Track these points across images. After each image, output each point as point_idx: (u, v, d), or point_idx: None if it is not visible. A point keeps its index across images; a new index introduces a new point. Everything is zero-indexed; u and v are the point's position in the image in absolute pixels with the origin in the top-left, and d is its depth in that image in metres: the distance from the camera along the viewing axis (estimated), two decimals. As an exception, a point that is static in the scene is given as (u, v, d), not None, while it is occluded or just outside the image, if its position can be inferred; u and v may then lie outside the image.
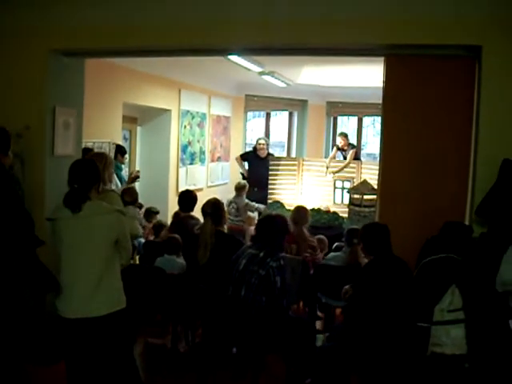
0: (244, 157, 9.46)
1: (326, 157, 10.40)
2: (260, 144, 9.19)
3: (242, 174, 9.19)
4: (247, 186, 8.30)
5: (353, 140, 10.31)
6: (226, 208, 8.04)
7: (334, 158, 9.58)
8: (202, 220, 5.66)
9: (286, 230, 4.27)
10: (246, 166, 9.36)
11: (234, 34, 4.20)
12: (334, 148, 9.93)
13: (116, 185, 6.02)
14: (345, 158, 9.53)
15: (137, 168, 8.00)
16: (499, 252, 3.25)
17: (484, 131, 3.81)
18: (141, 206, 6.70)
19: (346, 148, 9.50)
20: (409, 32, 3.88)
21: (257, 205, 8.20)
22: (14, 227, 3.60)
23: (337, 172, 8.85)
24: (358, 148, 9.97)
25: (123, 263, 3.44)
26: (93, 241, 3.22)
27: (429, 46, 3.98)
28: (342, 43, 4.17)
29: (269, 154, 9.32)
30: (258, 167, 9.07)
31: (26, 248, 3.57)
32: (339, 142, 9.61)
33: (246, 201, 8.10)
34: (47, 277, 3.46)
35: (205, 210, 4.83)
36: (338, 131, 11.65)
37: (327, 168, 8.93)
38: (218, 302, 4.18)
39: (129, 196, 5.69)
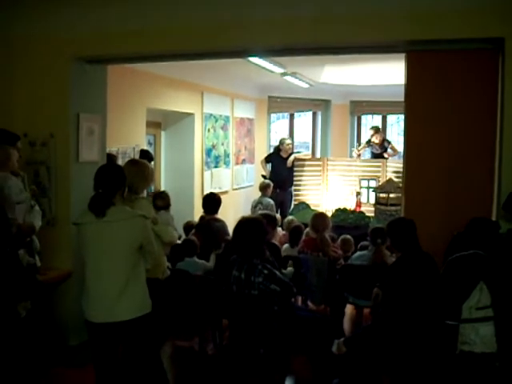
0: (267, 159, 9.47)
1: (350, 156, 10.33)
2: (288, 144, 9.19)
3: (264, 176, 9.18)
4: (271, 184, 8.32)
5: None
6: (252, 209, 8.10)
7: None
8: (226, 222, 5.68)
9: (262, 232, 4.04)
10: (269, 168, 9.38)
11: (255, 35, 4.20)
12: (364, 143, 9.83)
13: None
14: (374, 155, 9.48)
15: (161, 173, 8.06)
16: (527, 247, 3.20)
17: (508, 126, 3.75)
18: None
19: (380, 144, 9.42)
20: (430, 27, 3.85)
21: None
22: None
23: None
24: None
25: (148, 267, 3.47)
26: (117, 246, 3.25)
27: (451, 41, 3.93)
28: (363, 40, 4.13)
29: (292, 153, 9.31)
30: (280, 168, 9.08)
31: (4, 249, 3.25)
32: (375, 138, 9.45)
33: (271, 201, 8.11)
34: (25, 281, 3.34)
35: None
36: (363, 130, 11.58)
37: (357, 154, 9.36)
38: (244, 303, 4.17)
39: (161, 200, 5.39)
